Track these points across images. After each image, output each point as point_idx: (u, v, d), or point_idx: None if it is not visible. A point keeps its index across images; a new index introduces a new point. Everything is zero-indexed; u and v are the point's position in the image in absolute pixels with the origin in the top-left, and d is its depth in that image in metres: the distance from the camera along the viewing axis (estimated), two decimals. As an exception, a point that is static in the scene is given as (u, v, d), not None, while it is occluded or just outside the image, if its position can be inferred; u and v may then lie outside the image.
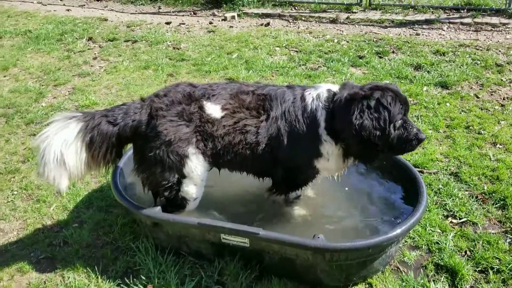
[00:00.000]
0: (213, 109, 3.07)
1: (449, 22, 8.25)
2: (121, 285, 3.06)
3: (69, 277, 3.15)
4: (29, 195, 4.09)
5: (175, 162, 3.03)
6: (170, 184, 3.10)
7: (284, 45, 7.65)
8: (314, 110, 3.03)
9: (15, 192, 4.13)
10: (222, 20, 9.57)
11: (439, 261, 3.16)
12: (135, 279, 3.07)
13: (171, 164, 3.03)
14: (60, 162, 2.92)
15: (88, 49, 8.06)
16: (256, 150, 3.09)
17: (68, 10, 11.09)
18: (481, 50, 6.92)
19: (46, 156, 2.90)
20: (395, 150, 3.04)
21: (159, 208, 3.10)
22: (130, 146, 3.31)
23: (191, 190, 3.18)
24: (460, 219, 3.56)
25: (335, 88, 3.13)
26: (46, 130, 2.98)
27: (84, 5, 11.73)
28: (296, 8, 9.95)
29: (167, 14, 10.38)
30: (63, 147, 2.93)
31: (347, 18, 8.97)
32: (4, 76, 6.93)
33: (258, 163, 3.16)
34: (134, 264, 3.24)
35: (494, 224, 3.53)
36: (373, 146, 2.93)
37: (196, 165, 3.09)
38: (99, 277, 3.13)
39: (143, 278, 3.07)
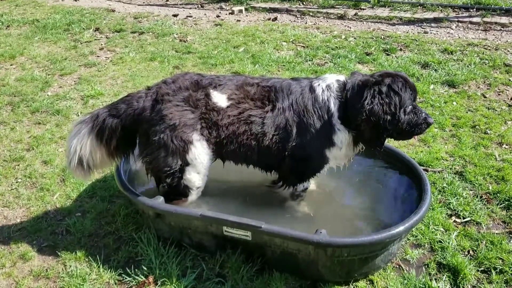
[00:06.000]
0: (219, 98, 3.10)
1: (458, 21, 8.19)
2: (122, 275, 3.07)
3: (70, 266, 3.16)
4: (33, 183, 4.10)
5: (178, 147, 3.04)
6: (172, 170, 3.10)
7: (291, 40, 7.62)
8: (326, 100, 3.09)
9: (19, 180, 4.14)
10: (229, 13, 9.54)
11: (442, 260, 3.15)
12: (136, 270, 3.08)
13: (175, 149, 3.04)
14: (80, 163, 3.18)
15: (95, 39, 8.05)
16: (262, 141, 3.10)
17: (75, 0, 11.08)
18: (490, 49, 6.87)
19: (69, 159, 3.19)
20: (404, 134, 3.12)
21: (162, 199, 3.11)
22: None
23: (194, 178, 3.18)
24: (463, 218, 3.54)
25: (342, 78, 3.19)
26: (68, 137, 3.29)
27: (92, -5, 11.72)
28: (304, 3, 9.89)
29: (175, 7, 10.36)
30: (82, 150, 3.15)
31: (355, 14, 8.92)
32: (11, 65, 6.94)
33: (265, 155, 3.16)
34: (136, 254, 3.25)
35: (498, 224, 3.51)
36: (384, 130, 3.01)
37: (200, 152, 3.09)
38: (101, 267, 3.14)
39: (145, 268, 3.07)
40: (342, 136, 3.12)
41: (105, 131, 3.15)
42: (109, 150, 3.21)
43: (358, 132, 3.09)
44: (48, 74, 6.53)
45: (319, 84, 3.15)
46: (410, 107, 3.03)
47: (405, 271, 3.07)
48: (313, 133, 3.08)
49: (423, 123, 3.07)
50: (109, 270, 3.12)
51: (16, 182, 4.12)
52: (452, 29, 7.93)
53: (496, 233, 3.38)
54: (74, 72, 6.61)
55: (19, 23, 9.06)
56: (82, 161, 3.17)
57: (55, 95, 5.84)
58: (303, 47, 7.34)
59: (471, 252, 3.23)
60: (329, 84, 3.14)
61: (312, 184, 3.59)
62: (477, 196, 3.77)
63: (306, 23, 8.74)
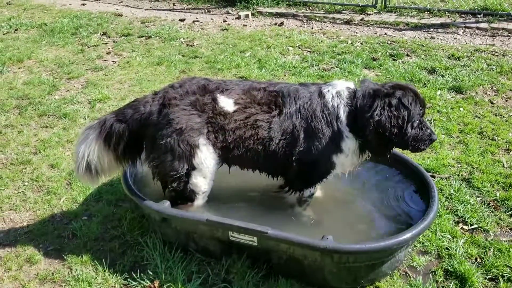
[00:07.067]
0: (226, 103, 3.11)
1: (465, 27, 8.16)
2: (128, 279, 3.07)
3: (76, 270, 3.17)
4: (40, 186, 4.12)
5: (185, 151, 3.04)
6: (179, 175, 3.11)
7: (297, 45, 7.62)
8: (336, 107, 3.09)
9: (26, 183, 4.16)
10: (236, 18, 9.56)
11: (449, 267, 3.12)
12: (142, 274, 3.08)
13: (181, 153, 3.05)
14: (88, 168, 3.20)
15: (102, 43, 8.09)
16: (268, 146, 3.10)
17: (83, 4, 11.15)
18: (497, 55, 6.84)
19: (77, 164, 3.22)
20: (409, 147, 3.14)
21: (168, 203, 3.11)
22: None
23: (200, 182, 3.18)
24: (471, 225, 3.52)
25: (352, 85, 3.20)
26: (76, 143, 3.32)
27: None
28: (311, 8, 9.90)
29: (181, 11, 10.41)
30: (90, 155, 3.16)
31: (362, 19, 8.92)
32: (19, 68, 6.98)
33: (271, 159, 3.16)
34: (142, 259, 3.25)
35: (505, 231, 3.48)
36: (390, 142, 3.04)
37: (206, 156, 3.10)
38: (107, 271, 3.14)
39: (150, 273, 3.07)
40: (349, 143, 3.13)
41: (113, 136, 3.17)
42: (116, 155, 3.23)
43: (365, 140, 3.10)
44: (56, 78, 6.57)
45: (328, 90, 3.15)
46: (417, 121, 3.05)
47: (412, 278, 3.05)
48: (321, 139, 3.08)
49: (427, 139, 3.10)
50: (115, 275, 3.12)
51: (23, 185, 4.14)
52: (459, 34, 7.91)
53: (504, 241, 3.36)
54: (82, 76, 6.64)
55: (27, 27, 9.12)
56: (90, 167, 3.19)
57: (62, 98, 5.87)
58: (310, 52, 7.34)
59: (478, 259, 3.21)
60: (339, 90, 3.14)
61: (318, 191, 3.58)
62: (484, 203, 3.74)
63: (312, 28, 8.75)
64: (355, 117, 3.08)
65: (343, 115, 3.08)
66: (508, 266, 3.11)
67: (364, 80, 3.25)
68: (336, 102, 3.10)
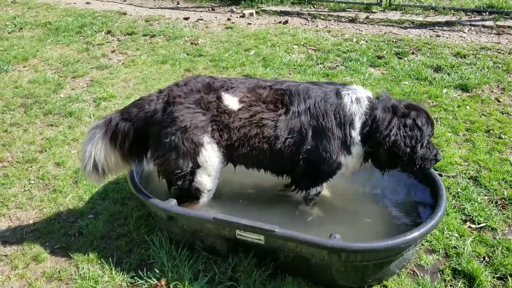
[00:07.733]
0: (231, 101, 3.10)
1: (471, 25, 8.12)
2: (135, 277, 3.07)
3: (83, 268, 3.17)
4: (46, 184, 4.12)
5: (189, 149, 3.04)
6: (183, 173, 3.11)
7: (302, 43, 7.60)
8: (353, 113, 3.11)
9: (32, 182, 4.16)
10: (240, 16, 9.55)
11: (457, 266, 3.11)
12: (148, 272, 3.07)
13: (186, 152, 3.04)
14: (95, 167, 3.20)
15: (107, 42, 8.09)
16: (274, 144, 3.09)
17: (87, 3, 11.16)
18: (503, 53, 6.80)
19: (84, 163, 3.21)
20: (415, 165, 3.20)
21: (174, 201, 3.10)
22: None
23: (205, 180, 3.18)
24: (479, 224, 3.50)
25: (371, 95, 3.24)
26: (82, 143, 3.33)
27: (104, -2, 11.79)
28: (315, 6, 9.87)
29: (186, 10, 10.40)
30: (96, 154, 3.16)
31: (367, 17, 8.88)
32: (24, 67, 6.99)
33: (277, 158, 3.15)
34: (148, 257, 3.24)
35: (514, 230, 3.46)
36: (400, 160, 3.12)
37: (210, 154, 3.09)
38: (113, 269, 3.14)
39: (157, 271, 3.07)
40: (358, 149, 3.16)
41: (119, 135, 3.17)
42: (123, 154, 3.23)
43: (373, 152, 3.14)
44: (61, 76, 6.57)
45: (348, 94, 3.15)
46: (426, 141, 3.13)
47: (420, 277, 3.04)
48: (330, 138, 3.07)
49: (433, 159, 3.21)
50: (122, 273, 3.12)
51: (29, 184, 4.14)
52: (465, 32, 7.87)
53: (512, 240, 3.34)
54: (86, 74, 6.65)
55: (32, 25, 9.14)
56: (97, 166, 3.19)
57: (67, 97, 5.87)
58: (314, 50, 7.32)
59: (486, 258, 3.19)
60: (359, 97, 3.15)
61: (325, 190, 3.56)
62: (492, 202, 3.72)
63: (317, 26, 8.72)
64: (369, 128, 3.10)
65: (358, 122, 3.10)
66: (517, 265, 3.09)
67: (383, 93, 3.28)
68: (354, 108, 3.11)
